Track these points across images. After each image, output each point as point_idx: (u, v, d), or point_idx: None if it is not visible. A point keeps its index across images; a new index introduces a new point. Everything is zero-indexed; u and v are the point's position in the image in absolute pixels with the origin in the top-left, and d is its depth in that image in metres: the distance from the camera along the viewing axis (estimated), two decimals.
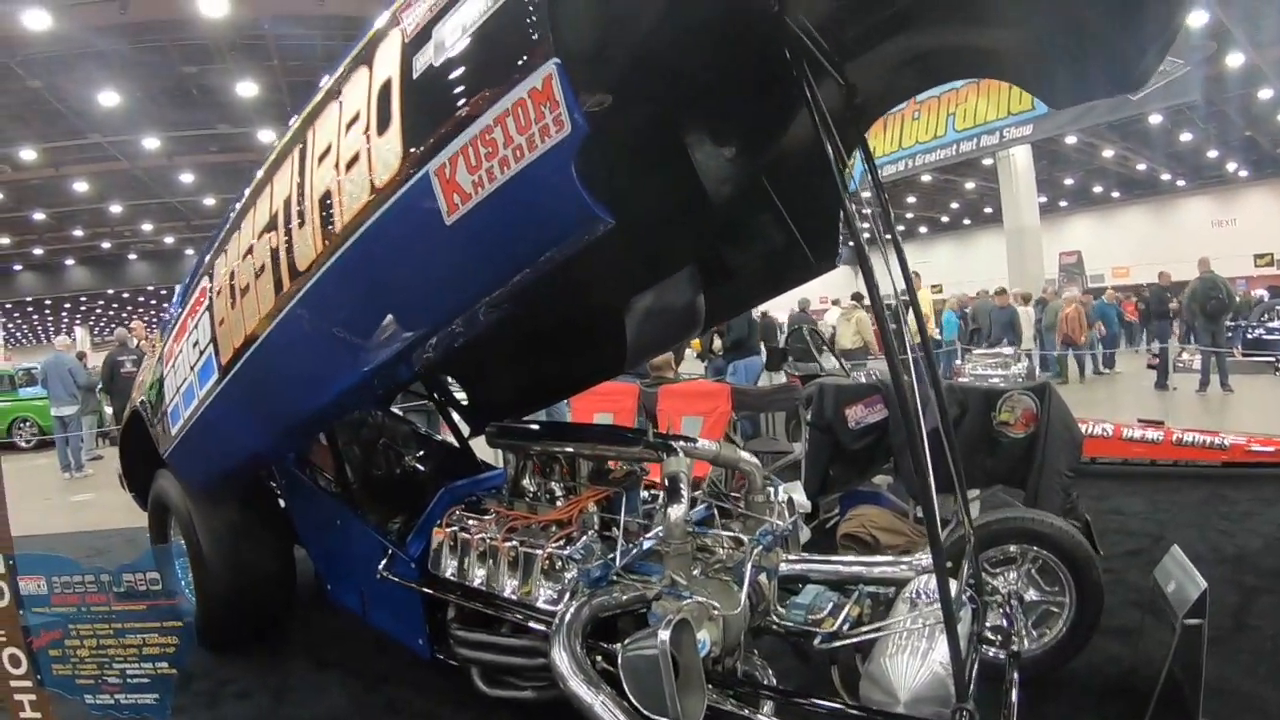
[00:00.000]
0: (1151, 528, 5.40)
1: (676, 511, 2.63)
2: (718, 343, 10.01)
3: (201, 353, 3.35)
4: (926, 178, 28.30)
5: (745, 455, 3.15)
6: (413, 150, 2.17)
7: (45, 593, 3.00)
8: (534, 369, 3.89)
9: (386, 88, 2.26)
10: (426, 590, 3.16)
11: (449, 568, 3.10)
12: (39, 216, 27.73)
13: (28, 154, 21.12)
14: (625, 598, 2.61)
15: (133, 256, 35.83)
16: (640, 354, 3.92)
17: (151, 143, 21.13)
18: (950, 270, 33.38)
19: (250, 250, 2.94)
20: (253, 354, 2.98)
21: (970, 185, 32.18)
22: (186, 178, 24.74)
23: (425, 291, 2.41)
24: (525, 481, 3.29)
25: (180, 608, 3.00)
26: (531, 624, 2.75)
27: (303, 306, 2.68)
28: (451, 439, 4.79)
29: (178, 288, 4.77)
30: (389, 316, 2.53)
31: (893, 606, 2.74)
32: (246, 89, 17.65)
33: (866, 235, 2.37)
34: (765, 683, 2.65)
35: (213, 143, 21.97)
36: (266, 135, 20.32)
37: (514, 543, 2.88)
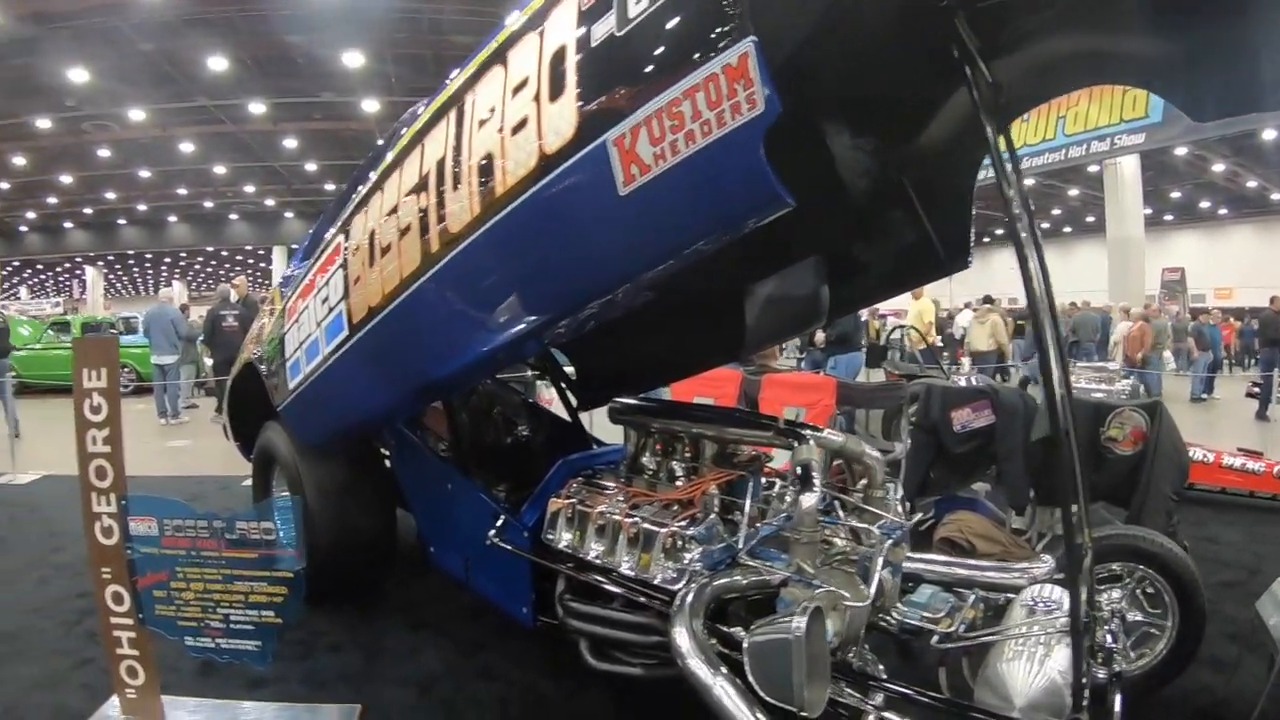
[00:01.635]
0: (1248, 559, 5.18)
1: (809, 500, 2.59)
2: (820, 335, 9.85)
3: (331, 309, 3.40)
4: (1030, 181, 27.53)
5: (869, 449, 3.09)
6: (589, 118, 2.16)
7: (156, 534, 3.03)
8: (648, 348, 3.85)
9: (560, 54, 2.25)
10: (538, 559, 3.17)
11: (564, 539, 3.11)
12: (144, 174, 28.76)
13: (136, 114, 21.88)
14: (746, 582, 2.59)
15: (233, 216, 36.87)
16: (759, 341, 3.87)
17: (256, 108, 21.72)
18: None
19: (395, 210, 2.96)
20: (389, 313, 3.01)
21: (1074, 192, 31.22)
22: (290, 143, 25.41)
23: (584, 262, 2.40)
24: (645, 459, 3.28)
25: (294, 560, 3.00)
26: (647, 601, 2.74)
27: (450, 269, 2.69)
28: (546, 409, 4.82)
29: (299, 247, 4.86)
30: (540, 286, 2.54)
31: (1006, 613, 2.70)
32: (352, 59, 17.98)
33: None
34: (878, 677, 2.61)
35: (316, 110, 22.45)
36: (370, 105, 20.77)
37: (636, 519, 2.87)
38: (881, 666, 2.71)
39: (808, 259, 3.56)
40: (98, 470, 3.05)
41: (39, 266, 50.65)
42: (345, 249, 3.33)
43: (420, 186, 2.82)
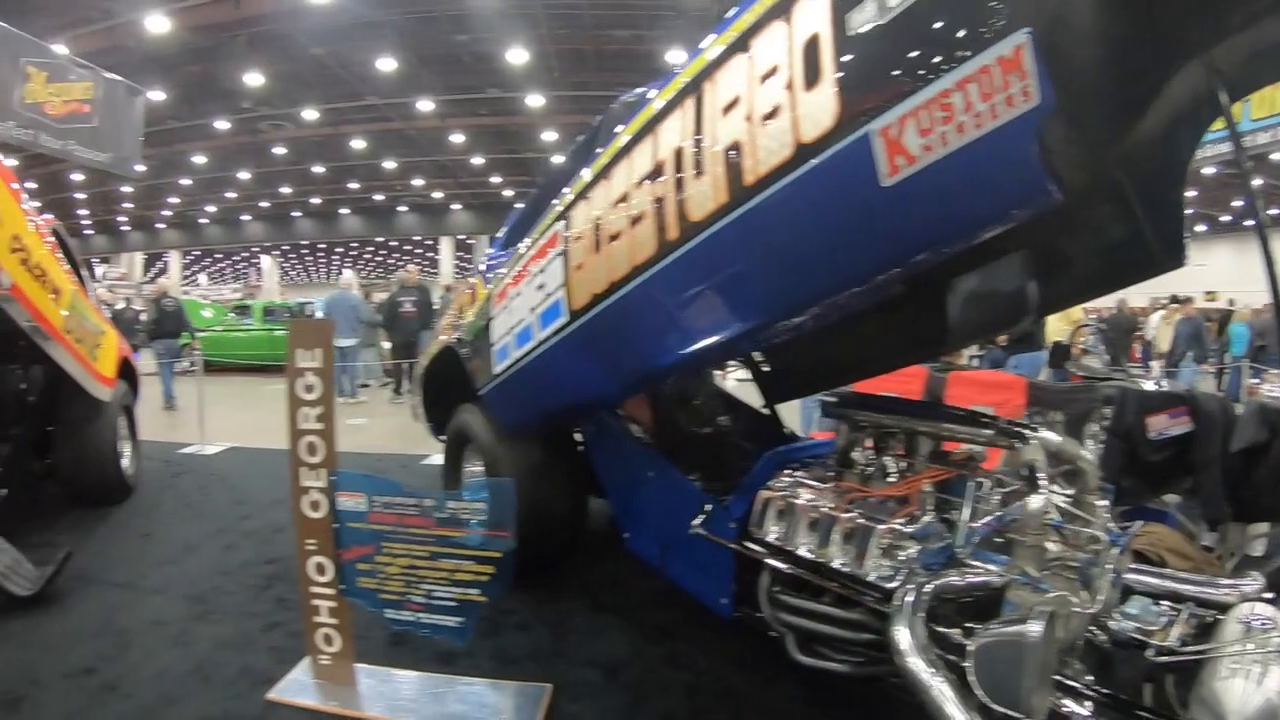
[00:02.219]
0: None
1: (1036, 501, 2.52)
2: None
3: (548, 296, 3.45)
4: (1210, 170, 25.71)
5: (1085, 453, 2.98)
6: (850, 107, 2.13)
7: (364, 510, 3.11)
8: (845, 344, 3.74)
9: (813, 43, 2.22)
10: (743, 550, 3.15)
11: (772, 531, 3.08)
12: (318, 169, 30.39)
13: (309, 114, 23.25)
14: (966, 583, 2.54)
15: (402, 208, 38.59)
16: (962, 338, 3.77)
17: (425, 105, 22.62)
18: (1229, 276, 29.99)
19: (625, 198, 2.96)
20: (615, 301, 3.01)
21: (1258, 182, 29.02)
22: (456, 138, 26.38)
23: (835, 253, 2.36)
24: (856, 454, 3.24)
25: (504, 541, 3.05)
26: (859, 598, 2.71)
27: (689, 257, 2.67)
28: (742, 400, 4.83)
29: (498, 237, 5.00)
30: (783, 275, 2.51)
31: (1217, 629, 2.53)
32: (516, 56, 18.47)
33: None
34: (1088, 685, 2.53)
35: (482, 106, 23.23)
36: (534, 100, 21.36)
37: (853, 514, 2.84)
38: (1091, 678, 2.64)
39: (1014, 254, 3.46)
40: (309, 446, 3.17)
41: (217, 255, 54.11)
42: (566, 236, 3.36)
43: (655, 174, 2.80)
